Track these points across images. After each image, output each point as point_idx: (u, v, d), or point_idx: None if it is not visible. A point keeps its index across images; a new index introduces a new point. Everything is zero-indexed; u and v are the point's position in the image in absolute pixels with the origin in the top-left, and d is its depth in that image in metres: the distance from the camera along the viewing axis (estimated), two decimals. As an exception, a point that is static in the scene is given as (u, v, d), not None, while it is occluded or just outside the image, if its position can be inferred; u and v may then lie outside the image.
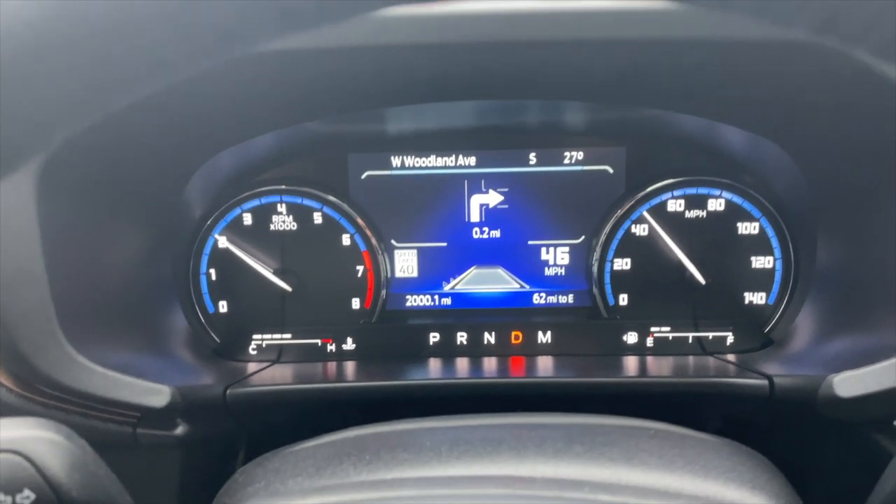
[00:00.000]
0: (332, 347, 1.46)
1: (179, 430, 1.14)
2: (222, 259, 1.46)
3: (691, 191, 1.44)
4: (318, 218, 1.46)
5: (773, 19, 0.42)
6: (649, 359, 1.40)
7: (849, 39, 0.42)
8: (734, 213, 1.44)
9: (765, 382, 1.17)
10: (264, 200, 1.45)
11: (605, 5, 0.86)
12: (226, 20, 0.41)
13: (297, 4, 0.41)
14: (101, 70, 0.42)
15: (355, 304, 1.50)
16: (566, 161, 1.47)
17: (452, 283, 1.53)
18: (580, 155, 1.47)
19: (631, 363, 1.37)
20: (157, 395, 1.08)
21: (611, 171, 1.48)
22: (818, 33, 0.42)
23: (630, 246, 1.47)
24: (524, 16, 0.87)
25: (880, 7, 0.38)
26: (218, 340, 1.47)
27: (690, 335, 1.44)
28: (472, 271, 1.53)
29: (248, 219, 1.46)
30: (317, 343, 1.46)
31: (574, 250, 1.51)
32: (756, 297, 1.46)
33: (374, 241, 1.48)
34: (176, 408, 1.09)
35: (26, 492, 0.67)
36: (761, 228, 1.44)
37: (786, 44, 0.87)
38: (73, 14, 0.40)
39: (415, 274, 1.53)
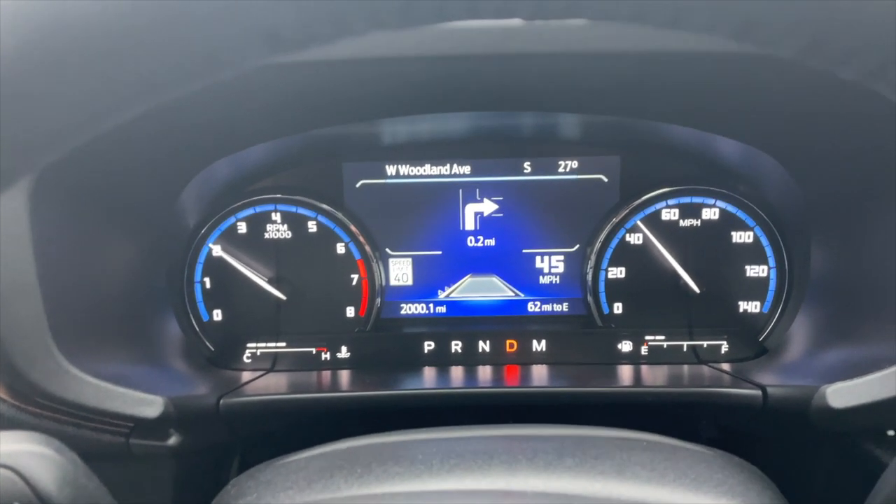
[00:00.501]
0: (326, 356, 1.46)
1: (172, 440, 1.14)
2: (217, 268, 1.46)
3: (685, 200, 1.45)
4: (312, 226, 1.46)
5: (757, 43, 0.42)
6: (644, 368, 1.40)
7: (833, 63, 0.42)
8: (728, 222, 1.44)
9: (758, 392, 1.17)
10: (259, 209, 1.45)
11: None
12: (212, 43, 0.41)
13: (283, 28, 0.41)
14: (89, 93, 0.42)
15: (350, 312, 1.50)
16: (560, 170, 1.48)
17: (447, 291, 1.53)
18: (574, 164, 1.47)
19: (625, 372, 1.38)
20: (149, 405, 1.08)
21: (605, 179, 1.48)
22: (803, 56, 0.42)
23: (624, 255, 1.47)
24: (515, 30, 0.87)
25: (862, 33, 0.39)
26: (212, 349, 1.47)
27: (685, 344, 1.44)
28: (467, 280, 1.53)
29: (242, 227, 1.46)
30: (311, 351, 1.46)
31: (568, 259, 1.51)
32: (750, 306, 1.46)
33: (368, 249, 1.48)
34: (169, 418, 1.09)
35: (16, 506, 0.67)
36: (755, 237, 1.44)
37: (775, 59, 0.87)
38: (60, 38, 0.40)
39: (409, 282, 1.53)
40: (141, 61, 0.41)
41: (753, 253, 1.44)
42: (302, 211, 1.46)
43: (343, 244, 1.47)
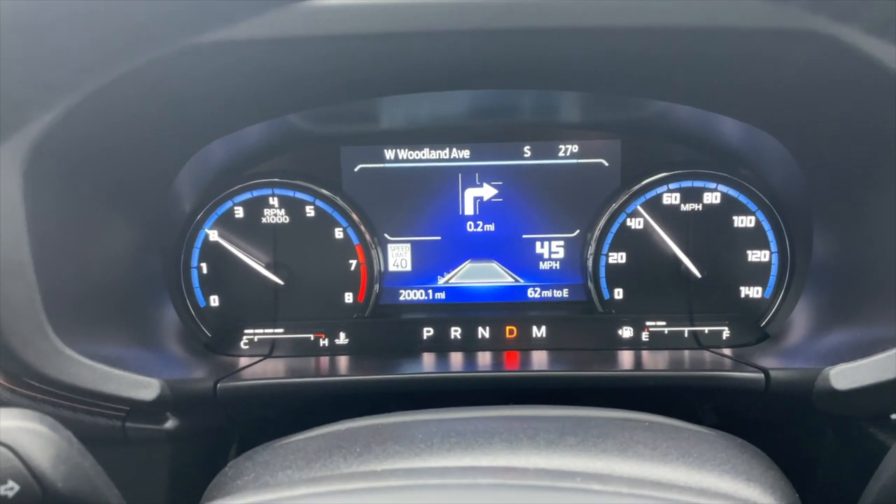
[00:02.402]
0: (324, 342, 1.45)
1: (169, 423, 1.13)
2: (213, 253, 1.45)
3: (687, 184, 1.43)
4: (310, 211, 1.45)
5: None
6: (644, 353, 1.39)
7: (840, 18, 0.41)
8: (730, 207, 1.43)
9: (760, 376, 1.16)
10: (256, 193, 1.44)
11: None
12: (191, 5, 0.40)
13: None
14: (74, 47, 0.41)
15: (348, 298, 1.49)
16: (561, 154, 1.46)
17: (446, 277, 1.52)
18: (575, 148, 1.46)
19: (626, 357, 1.37)
20: (146, 388, 1.07)
21: (606, 164, 1.47)
22: (810, 11, 0.41)
23: (625, 240, 1.46)
24: (516, 3, 0.86)
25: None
26: (209, 335, 1.45)
27: (686, 329, 1.43)
28: (467, 265, 1.52)
29: (239, 212, 1.44)
30: (309, 337, 1.45)
31: (569, 244, 1.50)
32: (752, 291, 1.45)
33: (367, 234, 1.46)
34: (165, 401, 1.08)
35: (10, 483, 0.66)
36: (757, 222, 1.43)
37: (780, 31, 0.86)
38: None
39: (408, 268, 1.52)
40: (129, 15, 0.40)
41: (755, 237, 1.43)
42: (300, 195, 1.45)
43: (341, 229, 1.46)
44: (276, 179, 1.44)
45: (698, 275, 1.43)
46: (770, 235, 1.43)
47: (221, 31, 0.44)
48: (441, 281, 1.52)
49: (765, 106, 1.15)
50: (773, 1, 0.41)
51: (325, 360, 1.39)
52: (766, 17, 0.79)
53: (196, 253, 1.45)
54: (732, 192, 1.43)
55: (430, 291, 1.53)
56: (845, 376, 1.04)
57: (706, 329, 1.43)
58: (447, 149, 1.46)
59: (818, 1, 0.40)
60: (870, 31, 0.41)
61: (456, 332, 1.45)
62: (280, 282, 1.45)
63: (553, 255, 1.51)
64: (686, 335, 1.43)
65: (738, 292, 1.45)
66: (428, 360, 1.36)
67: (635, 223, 1.45)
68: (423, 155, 1.46)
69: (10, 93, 0.41)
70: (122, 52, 0.43)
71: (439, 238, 1.51)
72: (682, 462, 0.79)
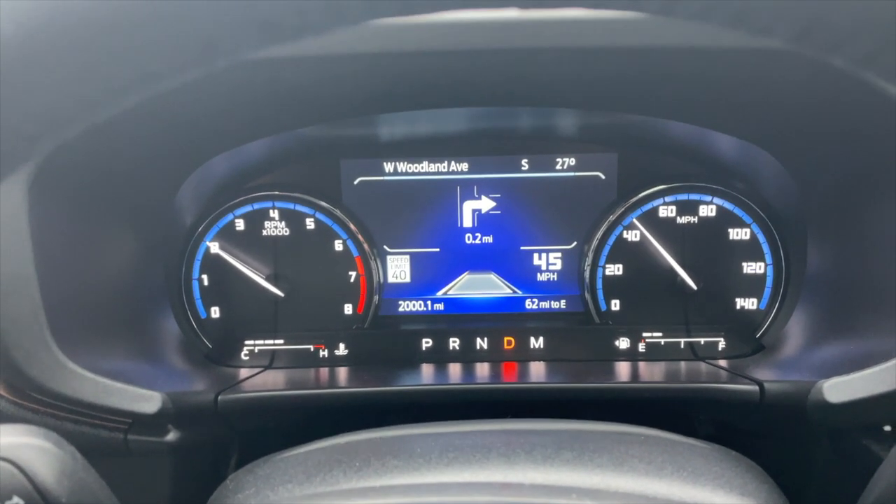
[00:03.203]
0: (324, 353, 1.46)
1: (171, 436, 1.14)
2: (214, 265, 1.46)
3: (683, 197, 1.45)
4: (310, 223, 1.47)
5: (750, 29, 0.42)
6: (641, 364, 1.40)
7: (825, 49, 0.42)
8: (725, 219, 1.44)
9: (755, 388, 1.17)
10: (257, 206, 1.46)
11: (591, 14, 0.87)
12: (208, 31, 0.41)
13: (278, 16, 0.41)
14: (85, 81, 0.42)
15: (348, 309, 1.50)
16: (558, 167, 1.48)
17: (445, 288, 1.54)
18: (572, 161, 1.47)
19: (623, 368, 1.38)
20: (148, 401, 1.08)
21: (603, 177, 1.48)
22: (795, 43, 0.42)
23: (622, 251, 1.47)
24: (511, 24, 0.88)
25: (855, 19, 0.39)
26: (210, 346, 1.47)
27: (682, 340, 1.45)
28: (465, 277, 1.53)
29: (240, 224, 1.46)
30: (309, 349, 1.46)
31: (566, 256, 1.52)
32: (747, 303, 1.46)
33: (366, 246, 1.48)
34: (167, 414, 1.09)
35: (15, 499, 0.67)
36: (752, 234, 1.44)
37: (770, 51, 0.87)
38: (56, 26, 0.40)
39: (407, 279, 1.53)
40: (138, 50, 0.41)
41: (750, 250, 1.45)
42: (300, 208, 1.46)
43: (341, 241, 1.48)
44: (277, 192, 1.46)
45: (694, 286, 1.44)
46: (765, 248, 1.44)
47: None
48: (440, 292, 1.54)
49: (759, 123, 1.16)
50: (756, 35, 0.43)
51: (324, 372, 1.40)
52: (755, 41, 0.80)
53: (197, 265, 1.46)
54: (728, 205, 1.44)
55: (428, 303, 1.54)
56: (839, 389, 1.05)
57: (702, 340, 1.44)
58: (446, 162, 1.48)
59: (801, 36, 0.41)
60: (858, 64, 0.42)
61: (454, 343, 1.46)
62: (280, 293, 1.46)
63: (550, 267, 1.52)
64: (682, 346, 1.45)
65: (734, 304, 1.46)
66: (427, 372, 1.37)
67: (632, 235, 1.47)
68: (422, 168, 1.48)
69: (18, 126, 0.42)
70: (139, 82, 0.44)
71: (438, 250, 1.52)
72: (677, 476, 0.80)
